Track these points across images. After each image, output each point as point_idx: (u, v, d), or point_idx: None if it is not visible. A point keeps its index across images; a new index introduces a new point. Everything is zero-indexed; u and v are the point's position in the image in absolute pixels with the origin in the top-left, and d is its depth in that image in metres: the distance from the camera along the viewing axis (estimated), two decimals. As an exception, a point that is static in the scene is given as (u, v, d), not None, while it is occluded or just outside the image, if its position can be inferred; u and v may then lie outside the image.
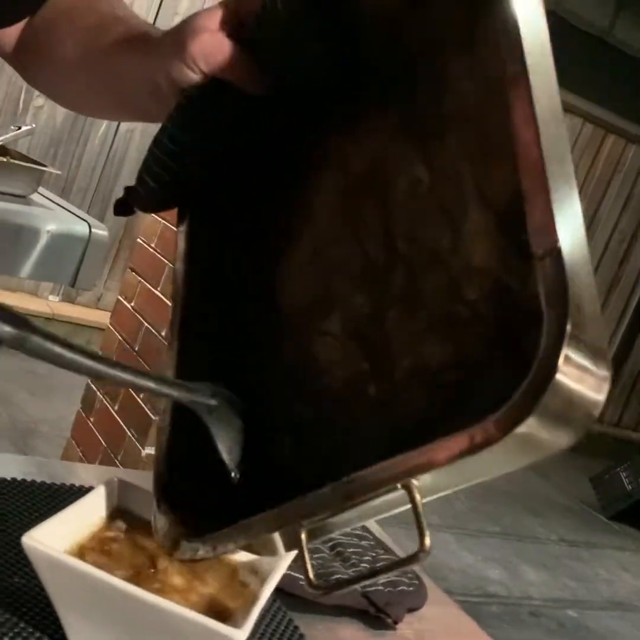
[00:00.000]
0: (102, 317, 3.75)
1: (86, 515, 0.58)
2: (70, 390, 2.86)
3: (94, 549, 0.56)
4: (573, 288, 0.40)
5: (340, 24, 0.59)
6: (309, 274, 0.59)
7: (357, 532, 0.85)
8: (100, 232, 1.67)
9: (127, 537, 0.58)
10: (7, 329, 0.45)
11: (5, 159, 1.73)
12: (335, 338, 0.55)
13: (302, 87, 0.62)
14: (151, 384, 0.51)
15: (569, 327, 0.39)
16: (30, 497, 0.71)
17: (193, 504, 0.55)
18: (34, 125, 2.07)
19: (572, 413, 0.40)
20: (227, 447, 0.54)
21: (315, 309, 0.57)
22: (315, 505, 0.47)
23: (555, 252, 0.40)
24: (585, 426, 0.41)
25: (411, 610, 0.75)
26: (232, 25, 0.65)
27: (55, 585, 0.53)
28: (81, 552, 0.55)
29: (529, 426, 0.39)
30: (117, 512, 0.60)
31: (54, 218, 1.65)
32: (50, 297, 4.30)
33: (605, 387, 0.40)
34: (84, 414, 2.72)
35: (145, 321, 2.46)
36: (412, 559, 0.44)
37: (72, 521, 0.56)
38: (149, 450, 2.28)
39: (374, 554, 0.81)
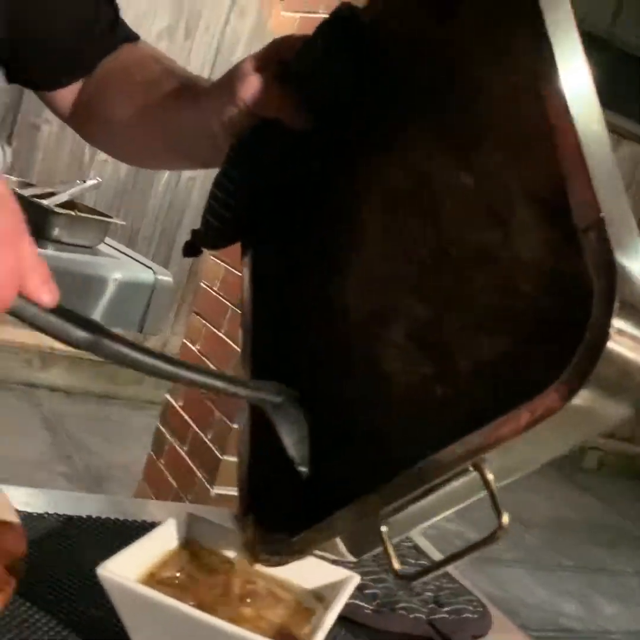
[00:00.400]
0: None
1: (157, 547, 0.61)
2: (142, 435, 2.92)
3: (165, 579, 0.59)
4: (621, 258, 0.41)
5: (370, 50, 0.64)
6: (367, 289, 0.62)
7: (420, 562, 0.86)
8: (165, 278, 1.73)
9: (196, 567, 0.61)
10: (82, 333, 0.49)
11: (73, 212, 1.81)
12: (398, 347, 0.57)
13: (341, 113, 0.67)
14: (219, 383, 0.54)
15: (618, 295, 0.40)
16: (104, 533, 0.75)
17: (276, 512, 0.57)
18: (99, 179, 2.15)
19: (627, 382, 0.42)
20: (292, 442, 0.56)
21: (377, 322, 0.59)
22: (391, 492, 0.49)
23: (598, 224, 0.42)
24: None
25: (476, 637, 0.76)
26: (276, 66, 0.71)
27: (129, 614, 0.56)
28: (153, 582, 0.58)
29: (585, 395, 0.41)
30: (186, 543, 0.63)
31: (120, 267, 1.71)
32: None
33: None
34: (154, 456, 2.77)
35: (211, 363, 2.51)
36: (490, 538, 0.45)
37: (144, 552, 0.59)
38: (218, 490, 2.31)
39: (438, 583, 0.82)
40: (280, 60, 0.71)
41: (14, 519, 0.68)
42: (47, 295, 0.50)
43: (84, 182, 1.97)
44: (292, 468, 0.56)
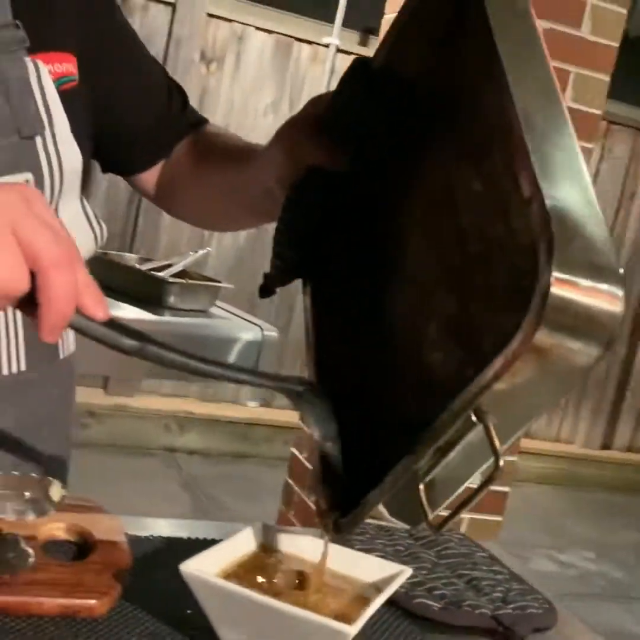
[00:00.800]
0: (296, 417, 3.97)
1: (234, 549, 0.71)
2: (274, 490, 3.04)
3: (240, 575, 0.69)
4: (565, 222, 0.50)
5: (385, 88, 0.78)
6: (408, 295, 0.72)
7: (494, 568, 0.93)
8: (272, 334, 1.86)
9: (268, 566, 0.71)
10: (130, 341, 0.61)
11: (184, 281, 1.97)
12: (436, 341, 0.66)
13: (372, 148, 0.79)
14: (246, 377, 0.65)
15: (556, 251, 0.49)
16: (202, 550, 0.85)
17: (343, 489, 0.67)
18: (209, 249, 2.33)
19: (588, 325, 0.50)
20: (315, 422, 0.67)
21: (418, 323, 0.69)
22: (419, 450, 0.58)
23: (537, 196, 0.51)
24: (609, 336, 0.51)
25: (538, 630, 0.82)
26: (312, 121, 0.84)
27: (209, 605, 0.66)
28: (229, 577, 0.68)
29: (542, 336, 0.49)
30: (261, 547, 0.74)
31: (230, 326, 1.86)
32: (250, 403, 4.58)
33: (617, 302, 0.50)
34: (285, 509, 2.90)
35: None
36: (491, 479, 0.54)
37: (222, 554, 0.70)
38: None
39: (507, 586, 0.89)
40: (316, 115, 0.84)
41: (122, 539, 0.80)
42: (101, 311, 0.62)
43: (196, 252, 2.14)
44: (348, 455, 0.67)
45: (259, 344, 1.83)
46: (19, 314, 0.93)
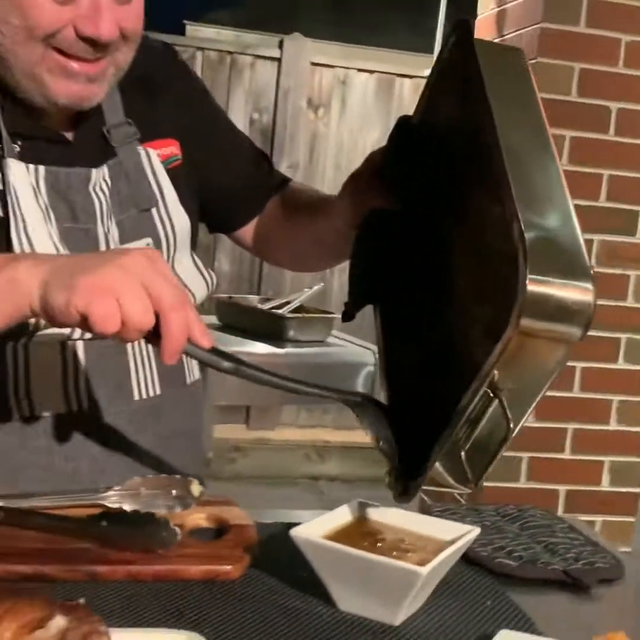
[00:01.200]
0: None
1: (334, 520, 0.89)
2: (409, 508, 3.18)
3: (339, 538, 0.86)
4: (541, 235, 0.66)
5: (426, 139, 0.97)
6: (455, 310, 0.89)
7: (570, 535, 1.07)
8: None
9: (363, 532, 0.89)
10: (228, 364, 0.80)
11: (301, 315, 2.18)
12: (463, 338, 0.82)
13: (421, 188, 0.97)
14: (316, 391, 0.83)
15: (529, 257, 0.65)
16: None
17: (405, 464, 0.85)
18: (322, 284, 2.53)
19: (569, 311, 0.66)
20: (369, 425, 0.85)
21: (462, 328, 0.85)
22: (454, 426, 0.75)
23: (516, 217, 0.68)
24: (586, 319, 0.67)
25: (605, 580, 0.96)
26: (371, 171, 1.05)
27: (316, 562, 0.84)
28: (332, 539, 0.86)
29: (526, 322, 0.66)
30: (357, 518, 0.91)
31: (345, 352, 2.05)
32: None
33: (589, 294, 0.66)
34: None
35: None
36: (505, 439, 0.71)
37: (324, 523, 0.88)
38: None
39: (581, 548, 1.02)
40: (373, 167, 1.04)
41: (250, 523, 0.99)
42: (206, 340, 0.82)
43: (311, 289, 2.35)
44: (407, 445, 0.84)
45: (373, 366, 2.01)
46: (151, 351, 1.15)
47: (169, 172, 1.21)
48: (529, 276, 0.65)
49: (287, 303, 2.34)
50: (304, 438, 4.55)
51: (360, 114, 4.58)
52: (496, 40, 2.84)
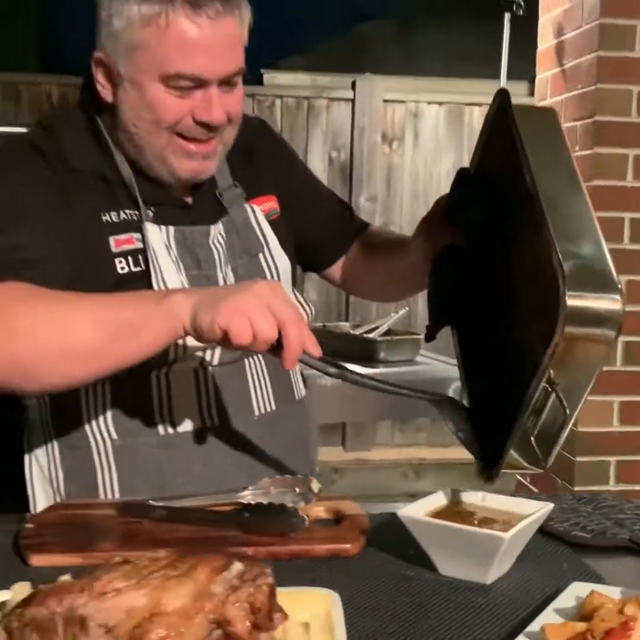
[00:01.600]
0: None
1: (432, 503, 1.08)
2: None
3: (437, 516, 1.06)
4: (576, 261, 0.86)
5: (482, 186, 1.17)
6: (515, 324, 1.08)
7: (637, 512, 1.23)
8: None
9: (456, 511, 1.08)
10: (333, 369, 1.01)
11: (390, 338, 2.39)
12: (527, 346, 1.01)
13: (480, 227, 1.19)
14: (406, 391, 1.03)
15: (567, 279, 0.85)
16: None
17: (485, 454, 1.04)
18: (407, 308, 2.73)
19: (602, 318, 0.85)
20: (451, 420, 1.03)
21: (523, 338, 1.05)
22: (522, 416, 0.94)
23: (554, 247, 0.88)
24: (618, 324, 0.85)
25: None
26: (441, 214, 1.28)
27: (421, 537, 1.03)
28: (431, 517, 1.05)
29: (569, 329, 0.85)
30: (452, 501, 1.10)
31: (432, 370, 2.24)
32: (478, 445, 4.89)
33: (617, 303, 0.85)
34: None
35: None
36: (566, 423, 0.90)
37: (424, 505, 1.07)
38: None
39: (651, 524, 1.19)
40: (441, 210, 1.27)
41: (363, 513, 1.19)
42: (316, 350, 1.05)
43: (397, 313, 2.56)
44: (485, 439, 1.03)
45: (458, 380, 2.20)
46: (266, 373, 1.37)
47: (271, 223, 1.44)
48: (568, 293, 0.84)
49: (376, 328, 2.55)
50: (399, 457, 4.72)
51: (432, 144, 4.78)
52: (557, 70, 3.02)
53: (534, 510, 1.06)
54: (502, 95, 1.13)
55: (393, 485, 4.64)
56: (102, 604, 0.72)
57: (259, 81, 4.64)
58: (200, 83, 1.23)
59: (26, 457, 1.38)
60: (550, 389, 0.90)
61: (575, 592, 0.93)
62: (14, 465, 1.41)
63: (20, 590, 0.81)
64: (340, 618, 0.85)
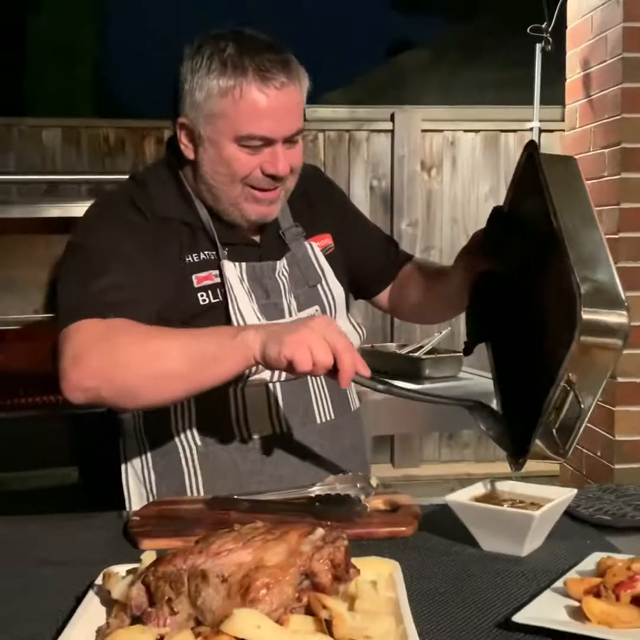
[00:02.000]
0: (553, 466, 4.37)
1: (474, 491, 1.29)
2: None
3: (479, 500, 1.25)
4: (591, 283, 1.07)
5: (515, 223, 1.38)
6: (542, 336, 1.28)
7: (652, 499, 1.42)
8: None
9: (492, 495, 1.28)
10: (381, 385, 1.22)
11: (434, 356, 2.59)
12: (557, 352, 1.22)
13: (515, 257, 1.39)
14: (443, 400, 1.24)
15: (583, 298, 1.06)
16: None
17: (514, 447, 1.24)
18: (449, 328, 2.93)
19: (612, 329, 1.06)
20: (482, 422, 1.23)
21: (548, 348, 1.24)
22: (545, 411, 1.14)
23: (572, 271, 1.09)
24: (625, 335, 1.05)
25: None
26: (478, 246, 1.49)
27: (467, 519, 1.23)
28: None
29: (583, 338, 1.06)
30: (490, 490, 1.30)
31: (473, 384, 2.44)
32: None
33: (624, 317, 1.05)
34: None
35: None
36: (583, 416, 1.10)
37: (469, 492, 1.27)
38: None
39: (658, 507, 1.38)
40: (478, 243, 1.48)
41: (414, 503, 1.39)
42: (365, 371, 1.26)
43: (440, 333, 2.76)
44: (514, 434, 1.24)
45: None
46: (326, 387, 1.59)
47: (327, 257, 1.66)
48: (584, 309, 1.05)
49: (421, 347, 2.75)
50: (447, 472, 4.90)
51: (470, 170, 4.98)
52: (585, 101, 3.22)
53: (560, 495, 1.25)
54: (531, 147, 1.35)
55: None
56: (217, 560, 0.93)
57: (301, 116, 4.88)
58: (267, 142, 1.45)
59: (122, 462, 1.61)
60: (568, 388, 1.10)
61: (594, 559, 1.12)
62: (111, 469, 1.64)
63: (148, 557, 1.03)
64: (401, 578, 1.05)
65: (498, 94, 5.33)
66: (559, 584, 1.05)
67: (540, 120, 4.75)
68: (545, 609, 0.99)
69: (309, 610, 0.92)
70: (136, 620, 0.93)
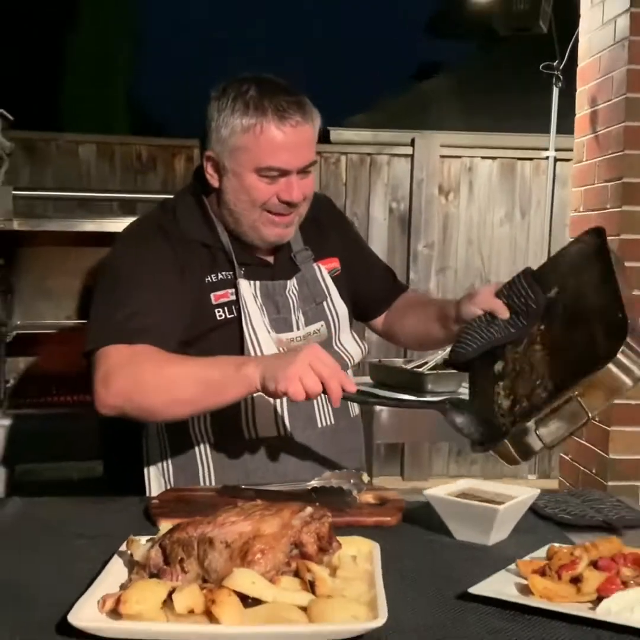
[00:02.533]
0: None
1: (452, 488, 1.47)
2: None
3: (454, 496, 1.44)
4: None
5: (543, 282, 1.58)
6: (514, 370, 1.47)
7: (616, 504, 1.59)
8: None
9: (465, 492, 1.46)
10: (362, 398, 1.43)
11: (436, 371, 2.77)
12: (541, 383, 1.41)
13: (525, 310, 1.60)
14: (416, 403, 1.45)
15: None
16: (444, 505, 1.61)
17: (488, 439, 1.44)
18: (453, 346, 3.11)
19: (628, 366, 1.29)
20: (456, 421, 1.42)
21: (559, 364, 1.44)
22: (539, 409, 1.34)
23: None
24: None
25: (628, 527, 1.48)
26: (491, 292, 1.67)
27: (441, 510, 1.41)
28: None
29: (614, 364, 1.29)
30: (463, 487, 1.48)
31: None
32: (529, 476, 5.20)
33: None
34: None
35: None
36: (584, 425, 1.31)
37: (445, 489, 1.45)
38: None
39: (619, 510, 1.55)
40: (492, 290, 1.68)
41: (400, 498, 1.57)
42: (352, 388, 1.46)
43: (444, 350, 2.94)
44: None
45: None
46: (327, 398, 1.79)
47: (333, 279, 1.86)
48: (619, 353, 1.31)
49: (425, 363, 2.93)
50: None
51: (486, 195, 5.17)
52: (592, 136, 3.40)
53: (525, 493, 1.43)
54: (597, 231, 1.56)
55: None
56: (222, 529, 1.12)
57: (325, 138, 5.08)
58: (283, 173, 1.65)
59: (145, 457, 1.81)
60: (573, 396, 1.30)
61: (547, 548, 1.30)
62: (133, 464, 1.85)
63: (165, 527, 1.22)
64: (378, 556, 1.23)
65: (515, 121, 5.50)
66: (512, 566, 1.23)
67: (556, 150, 4.93)
68: (498, 584, 1.18)
69: (297, 574, 1.10)
70: (153, 577, 1.12)
